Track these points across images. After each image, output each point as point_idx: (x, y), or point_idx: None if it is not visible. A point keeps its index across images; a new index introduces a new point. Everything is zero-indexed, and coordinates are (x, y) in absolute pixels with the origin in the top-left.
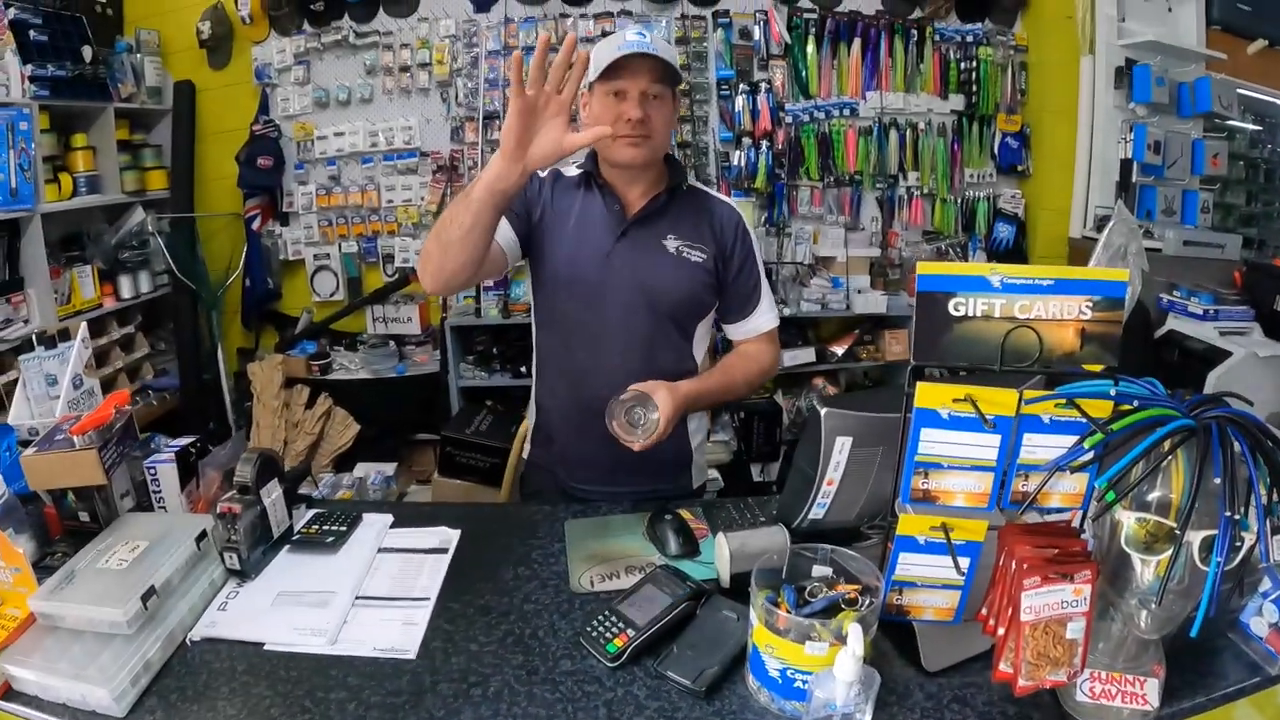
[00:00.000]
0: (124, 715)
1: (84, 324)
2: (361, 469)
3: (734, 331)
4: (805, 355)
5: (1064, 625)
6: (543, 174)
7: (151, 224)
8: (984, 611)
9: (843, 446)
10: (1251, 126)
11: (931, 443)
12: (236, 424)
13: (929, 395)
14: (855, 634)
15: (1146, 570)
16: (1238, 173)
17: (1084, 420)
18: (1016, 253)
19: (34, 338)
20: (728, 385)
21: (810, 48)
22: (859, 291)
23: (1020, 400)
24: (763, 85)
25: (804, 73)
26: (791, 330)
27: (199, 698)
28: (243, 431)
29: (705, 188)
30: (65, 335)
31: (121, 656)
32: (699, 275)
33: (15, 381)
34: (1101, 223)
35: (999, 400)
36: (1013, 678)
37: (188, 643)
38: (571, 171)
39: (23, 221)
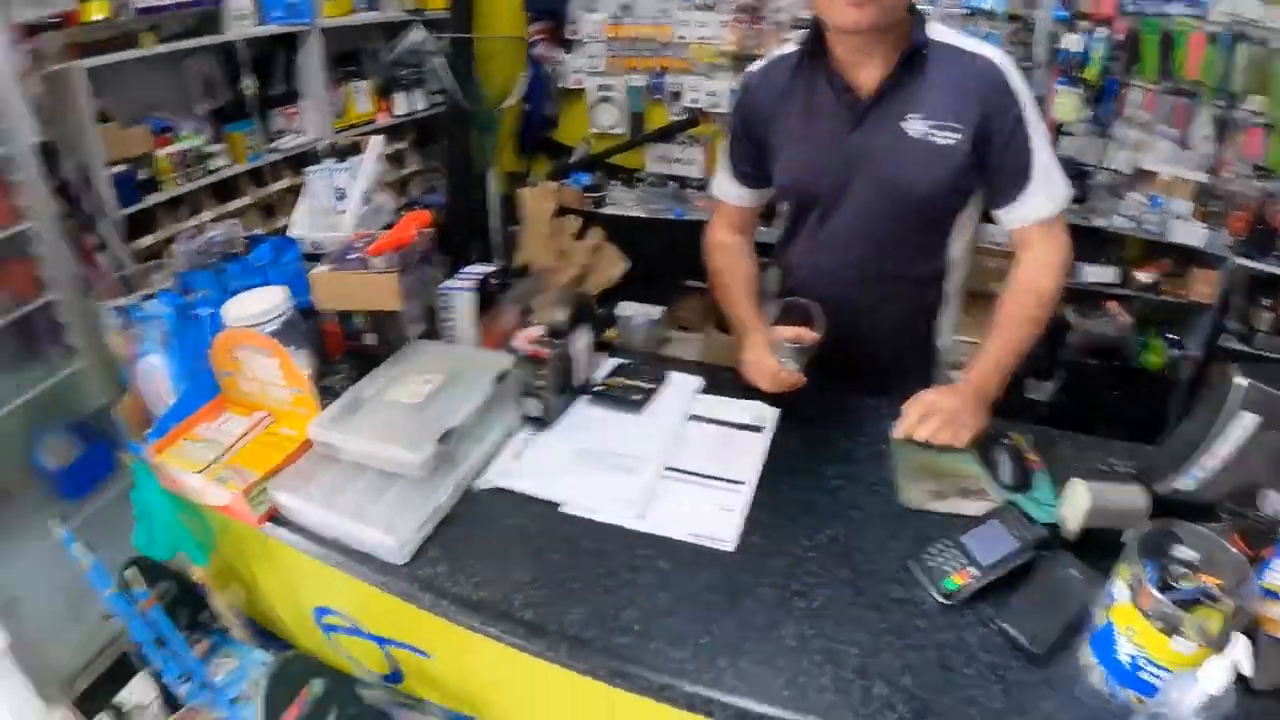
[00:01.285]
0: (404, 563)
1: (380, 138)
2: (627, 308)
3: (1003, 219)
4: (1105, 274)
5: None
6: (755, 69)
7: (430, 43)
8: None
9: (1249, 424)
10: None
11: None
12: (503, 246)
13: None
14: (1243, 647)
15: None
16: None
17: None
18: None
19: (319, 149)
20: (1019, 340)
21: None
22: (1178, 217)
23: None
24: None
25: None
26: (1093, 242)
27: (488, 554)
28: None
29: (956, 40)
30: (349, 150)
31: (411, 503)
32: (952, 162)
33: (283, 191)
34: None
35: None
36: None
37: (473, 489)
38: (789, 49)
39: (300, 35)
